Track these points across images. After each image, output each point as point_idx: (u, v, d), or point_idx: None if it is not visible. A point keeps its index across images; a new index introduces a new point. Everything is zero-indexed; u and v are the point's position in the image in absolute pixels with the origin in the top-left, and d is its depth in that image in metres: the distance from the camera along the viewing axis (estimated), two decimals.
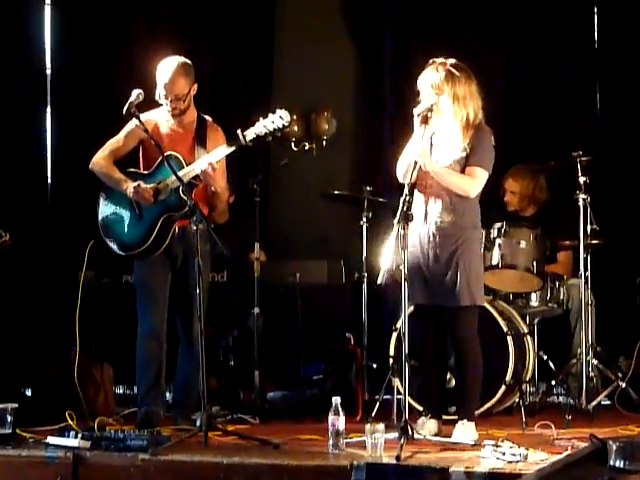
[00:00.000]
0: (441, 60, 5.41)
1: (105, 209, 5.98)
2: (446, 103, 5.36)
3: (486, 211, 5.63)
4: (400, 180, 5.50)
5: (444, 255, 5.39)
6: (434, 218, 5.41)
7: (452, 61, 5.41)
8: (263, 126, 5.68)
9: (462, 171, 5.39)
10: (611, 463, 4.04)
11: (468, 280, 5.36)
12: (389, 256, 5.26)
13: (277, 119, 5.67)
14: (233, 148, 5.74)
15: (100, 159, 5.97)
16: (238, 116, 8.16)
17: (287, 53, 8.55)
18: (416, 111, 5.36)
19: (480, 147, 5.39)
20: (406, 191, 5.20)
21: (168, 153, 5.71)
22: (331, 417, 4.89)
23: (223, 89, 8.47)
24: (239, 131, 5.70)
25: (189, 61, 5.93)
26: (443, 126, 5.43)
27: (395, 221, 5.14)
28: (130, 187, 5.80)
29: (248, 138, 5.68)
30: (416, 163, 5.29)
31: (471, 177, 5.37)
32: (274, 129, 5.68)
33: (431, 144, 5.45)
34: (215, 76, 8.41)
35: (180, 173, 5.66)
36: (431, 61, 5.43)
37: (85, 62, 8.29)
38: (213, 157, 5.74)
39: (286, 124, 5.69)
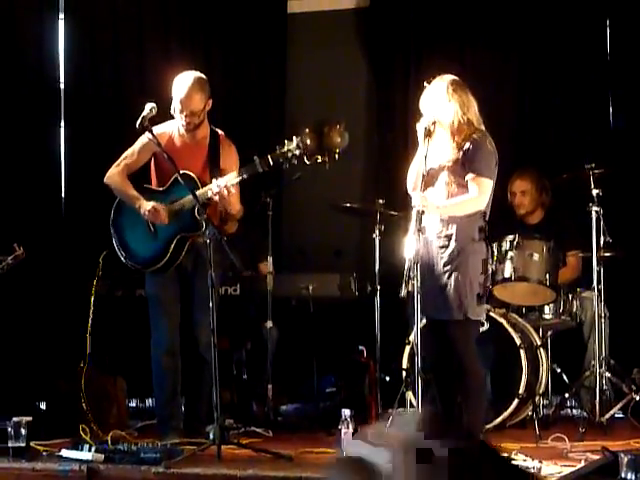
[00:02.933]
0: (436, 76, 5.49)
1: (119, 223, 6.02)
2: (449, 111, 5.38)
3: (495, 223, 5.61)
4: (410, 192, 5.52)
5: (441, 268, 5.36)
6: (433, 230, 5.41)
7: (448, 75, 5.49)
8: (279, 153, 5.68)
9: (462, 174, 5.38)
10: (622, 475, 4.04)
11: (464, 294, 5.31)
12: (408, 268, 5.27)
13: (293, 147, 5.66)
14: (249, 174, 5.76)
15: (114, 174, 6.02)
16: (251, 130, 8.19)
17: (300, 67, 8.57)
18: (420, 125, 5.40)
19: (478, 154, 5.35)
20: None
21: (183, 172, 5.72)
22: (341, 429, 4.89)
23: (236, 103, 8.49)
24: (256, 157, 5.71)
25: (204, 76, 5.96)
26: (445, 133, 5.43)
27: (410, 233, 5.16)
28: (145, 208, 5.84)
29: (263, 165, 5.69)
30: (424, 176, 5.31)
31: (477, 190, 5.35)
32: (290, 157, 5.68)
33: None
34: (228, 90, 8.42)
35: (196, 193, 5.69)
36: (426, 82, 5.50)
37: (98, 76, 8.33)
38: (228, 180, 5.76)
39: (303, 152, 5.67)
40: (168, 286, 5.98)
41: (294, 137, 5.69)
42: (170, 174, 5.85)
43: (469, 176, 5.35)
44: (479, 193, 5.36)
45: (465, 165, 5.36)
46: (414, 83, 7.84)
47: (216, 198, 5.75)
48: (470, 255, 5.37)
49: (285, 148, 5.67)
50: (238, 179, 5.78)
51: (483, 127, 5.46)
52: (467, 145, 5.36)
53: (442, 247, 5.38)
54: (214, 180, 5.77)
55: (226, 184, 5.72)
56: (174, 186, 5.85)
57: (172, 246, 5.86)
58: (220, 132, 6.08)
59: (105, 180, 6.04)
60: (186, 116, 5.89)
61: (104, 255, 6.46)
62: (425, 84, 5.51)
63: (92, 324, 6.43)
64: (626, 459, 4.05)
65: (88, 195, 7.75)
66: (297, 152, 5.66)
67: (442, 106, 5.37)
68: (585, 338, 6.89)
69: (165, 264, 5.90)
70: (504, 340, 6.39)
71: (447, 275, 5.35)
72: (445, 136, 5.41)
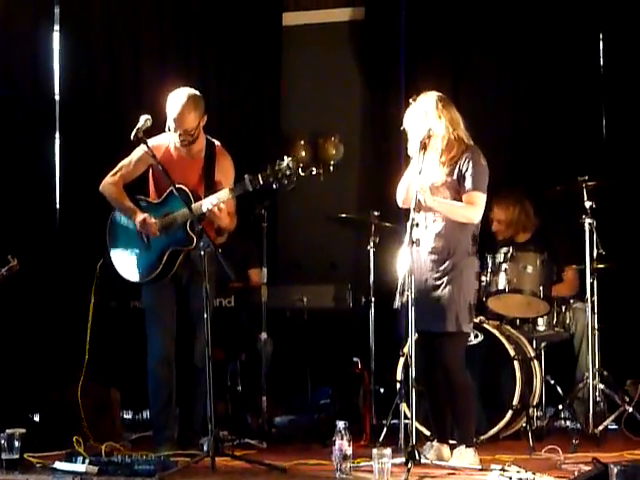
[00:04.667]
0: (421, 94, 5.53)
1: (114, 234, 6.04)
2: (438, 126, 5.41)
3: (487, 237, 5.63)
4: (400, 205, 5.55)
5: (434, 280, 5.39)
6: (427, 243, 5.42)
7: (433, 92, 5.52)
8: (269, 174, 5.69)
9: (456, 189, 5.40)
10: None
11: (458, 307, 5.35)
12: (402, 280, 5.28)
13: (284, 168, 5.67)
14: (239, 192, 5.78)
15: (110, 184, 6.03)
16: (246, 142, 8.20)
17: (295, 79, 8.58)
18: (415, 138, 5.41)
19: (474, 169, 5.39)
20: (413, 215, 5.23)
21: (177, 186, 5.73)
22: (336, 441, 4.89)
23: (231, 115, 8.50)
24: (246, 176, 5.72)
25: (198, 93, 5.96)
26: (435, 148, 5.46)
27: (404, 245, 5.16)
28: (137, 219, 5.87)
29: (254, 184, 5.71)
30: (417, 193, 5.32)
31: (472, 203, 5.39)
32: (280, 177, 5.69)
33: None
34: (223, 102, 8.44)
35: None
36: (411, 99, 5.55)
37: (93, 88, 8.33)
38: (219, 198, 5.78)
39: (292, 173, 5.69)
40: (164, 297, 6.01)
41: (285, 157, 5.71)
42: (167, 186, 5.85)
43: (465, 192, 5.38)
44: (476, 206, 5.41)
45: (460, 181, 5.39)
46: (409, 95, 7.87)
47: (208, 213, 5.78)
48: (464, 269, 5.42)
49: (276, 167, 5.68)
50: (229, 196, 5.81)
51: (472, 142, 5.49)
52: (462, 161, 5.39)
53: (435, 261, 5.40)
54: (206, 199, 5.79)
55: (217, 202, 5.75)
56: (169, 199, 5.87)
57: (164, 258, 5.89)
58: (217, 143, 6.09)
59: (100, 188, 6.06)
60: (180, 135, 5.91)
61: (101, 264, 6.47)
62: (410, 101, 5.54)
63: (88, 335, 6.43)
64: (615, 470, 4.07)
65: (82, 206, 7.76)
66: (287, 172, 5.67)
67: (432, 123, 5.40)
68: (575, 350, 6.91)
69: (158, 275, 5.94)
70: (498, 352, 6.40)
71: (440, 288, 5.37)
72: (436, 152, 5.43)
